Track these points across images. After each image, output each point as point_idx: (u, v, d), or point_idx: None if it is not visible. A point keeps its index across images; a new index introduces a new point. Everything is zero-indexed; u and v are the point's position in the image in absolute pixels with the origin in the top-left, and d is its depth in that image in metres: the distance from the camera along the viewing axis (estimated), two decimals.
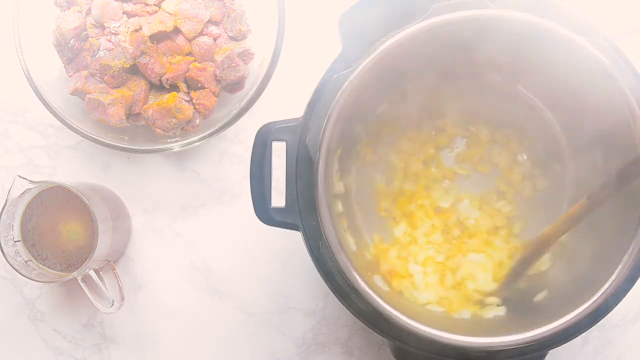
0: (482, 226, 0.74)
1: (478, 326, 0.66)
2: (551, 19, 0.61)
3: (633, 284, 0.61)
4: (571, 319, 0.60)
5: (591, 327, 0.61)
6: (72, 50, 0.74)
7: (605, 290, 0.60)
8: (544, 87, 0.70)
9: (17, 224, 0.71)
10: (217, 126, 0.73)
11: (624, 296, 0.61)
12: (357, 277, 0.61)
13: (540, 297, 0.67)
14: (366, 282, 0.61)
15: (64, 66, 0.75)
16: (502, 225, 0.74)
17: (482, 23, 0.61)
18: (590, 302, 0.60)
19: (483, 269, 0.72)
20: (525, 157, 0.74)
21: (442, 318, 0.67)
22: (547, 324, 0.60)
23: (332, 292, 0.62)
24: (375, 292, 0.61)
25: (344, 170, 0.70)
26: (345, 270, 0.61)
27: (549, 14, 0.61)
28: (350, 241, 0.68)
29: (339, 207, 0.68)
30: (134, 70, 0.74)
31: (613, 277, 0.60)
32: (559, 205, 0.73)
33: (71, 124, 0.73)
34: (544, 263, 0.71)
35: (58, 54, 0.74)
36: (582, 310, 0.60)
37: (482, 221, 0.74)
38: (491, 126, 0.74)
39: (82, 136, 0.73)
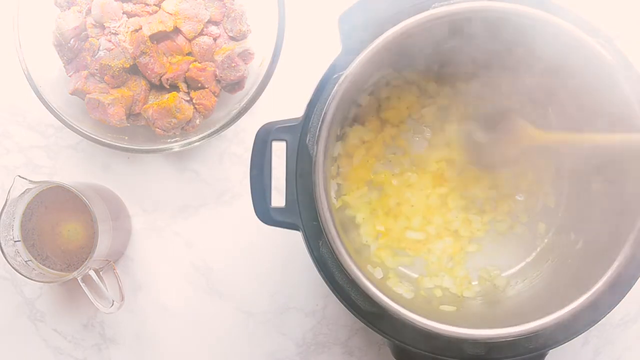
0: (450, 216, 0.74)
1: (477, 320, 0.66)
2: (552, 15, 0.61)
3: (633, 284, 0.61)
4: (567, 312, 0.60)
5: (591, 327, 0.61)
6: (72, 50, 0.74)
7: (601, 285, 0.60)
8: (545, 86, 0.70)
9: (17, 224, 0.71)
10: (217, 126, 0.73)
11: (624, 296, 0.61)
12: (357, 272, 0.61)
13: (538, 291, 0.68)
14: (366, 277, 0.61)
15: (64, 66, 0.75)
16: (463, 236, 0.74)
17: (479, 15, 0.61)
18: (587, 295, 0.60)
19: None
20: (522, 199, 0.74)
21: (441, 313, 0.68)
22: (544, 317, 0.60)
23: (332, 292, 0.62)
24: (375, 286, 0.61)
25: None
26: (345, 265, 0.60)
27: (549, 11, 0.61)
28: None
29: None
30: (134, 70, 0.74)
31: (610, 272, 0.60)
32: (519, 257, 0.74)
33: (71, 124, 0.73)
34: (543, 259, 0.72)
35: (58, 54, 0.74)
36: (578, 305, 0.60)
37: (453, 216, 0.74)
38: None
39: (82, 136, 0.73)
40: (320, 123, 0.61)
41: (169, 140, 0.74)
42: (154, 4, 0.74)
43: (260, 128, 0.62)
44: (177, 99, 0.73)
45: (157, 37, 0.73)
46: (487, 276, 0.73)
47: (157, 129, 0.74)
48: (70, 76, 0.75)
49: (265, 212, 0.62)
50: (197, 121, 0.75)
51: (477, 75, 0.72)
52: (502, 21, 0.61)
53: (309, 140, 0.61)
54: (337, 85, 0.61)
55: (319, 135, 0.61)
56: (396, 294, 0.69)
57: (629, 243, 0.60)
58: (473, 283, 0.73)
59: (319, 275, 0.62)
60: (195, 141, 0.73)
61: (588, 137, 0.65)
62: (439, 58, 0.70)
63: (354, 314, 0.62)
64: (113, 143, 0.73)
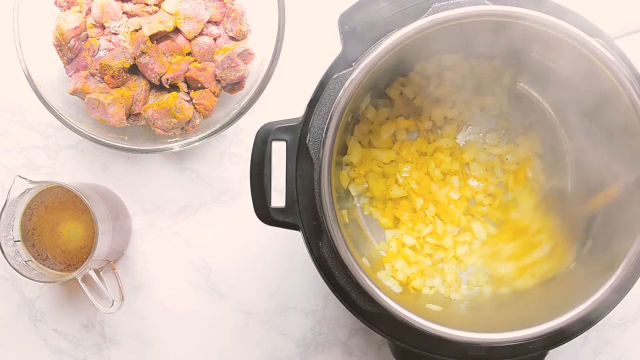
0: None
1: (478, 322, 0.66)
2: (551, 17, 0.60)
3: (633, 284, 0.61)
4: (568, 319, 0.60)
5: (591, 327, 0.61)
6: (72, 50, 0.74)
7: (602, 288, 0.60)
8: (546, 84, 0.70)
9: (17, 224, 0.71)
10: (217, 126, 0.73)
11: (623, 297, 0.61)
12: (359, 271, 0.60)
13: (540, 293, 0.68)
14: (368, 276, 0.61)
15: (64, 66, 0.75)
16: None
17: (483, 19, 0.61)
18: (590, 300, 0.60)
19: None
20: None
21: (441, 314, 0.67)
22: (545, 323, 0.60)
23: (332, 292, 0.62)
24: (377, 286, 0.61)
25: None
26: (348, 264, 0.60)
27: (548, 11, 0.61)
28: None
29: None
30: (134, 70, 0.74)
31: (611, 280, 0.60)
32: None
33: (71, 124, 0.73)
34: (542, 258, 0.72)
35: (58, 54, 0.74)
36: (580, 309, 0.60)
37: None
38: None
39: (82, 136, 0.73)
40: (327, 123, 0.60)
41: (169, 140, 0.74)
42: (154, 4, 0.74)
43: (260, 128, 0.62)
44: (177, 99, 0.73)
45: (157, 37, 0.73)
46: (476, 281, 0.73)
47: (157, 129, 0.74)
48: (70, 76, 0.75)
49: (265, 212, 0.62)
50: (197, 121, 0.75)
51: (479, 76, 0.72)
52: (502, 24, 0.61)
53: (309, 140, 0.61)
54: (342, 90, 0.60)
55: (325, 138, 0.60)
56: (385, 287, 0.68)
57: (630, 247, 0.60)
58: (462, 286, 0.73)
59: (319, 275, 0.62)
60: (195, 141, 0.73)
61: None
62: (441, 60, 0.70)
63: (354, 314, 0.62)
64: (113, 143, 0.73)
